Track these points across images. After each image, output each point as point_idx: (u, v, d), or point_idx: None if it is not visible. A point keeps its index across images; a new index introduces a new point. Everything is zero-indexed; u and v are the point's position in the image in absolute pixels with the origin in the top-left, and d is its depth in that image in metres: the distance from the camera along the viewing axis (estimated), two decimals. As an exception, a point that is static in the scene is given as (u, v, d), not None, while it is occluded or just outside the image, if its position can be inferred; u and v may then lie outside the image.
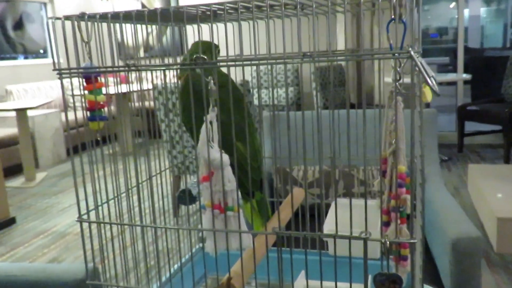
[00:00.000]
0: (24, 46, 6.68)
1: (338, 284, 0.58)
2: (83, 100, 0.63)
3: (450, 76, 4.39)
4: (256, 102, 3.72)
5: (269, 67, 4.76)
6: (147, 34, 6.85)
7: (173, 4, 6.64)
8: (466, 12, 11.29)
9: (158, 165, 0.83)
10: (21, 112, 4.44)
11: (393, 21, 0.52)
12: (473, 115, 4.44)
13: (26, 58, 6.56)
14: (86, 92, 0.60)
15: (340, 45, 4.97)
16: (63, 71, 0.59)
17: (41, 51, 6.79)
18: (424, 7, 12.41)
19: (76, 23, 0.59)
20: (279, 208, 0.80)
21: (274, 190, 1.99)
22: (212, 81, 0.60)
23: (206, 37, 0.69)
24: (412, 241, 0.51)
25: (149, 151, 0.71)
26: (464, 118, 4.52)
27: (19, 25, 6.65)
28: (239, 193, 0.78)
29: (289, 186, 1.90)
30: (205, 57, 0.58)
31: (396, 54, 0.52)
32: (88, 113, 0.60)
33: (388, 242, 0.50)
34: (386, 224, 0.55)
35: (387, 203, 0.54)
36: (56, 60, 0.60)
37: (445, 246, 1.35)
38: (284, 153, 2.01)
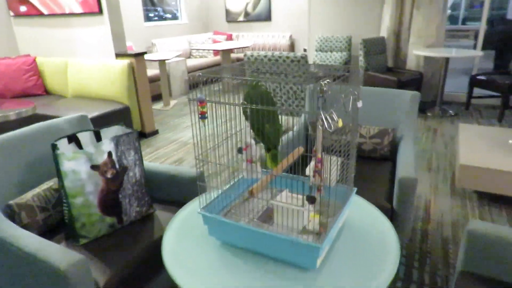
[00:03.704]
0: (164, 11, 7.22)
1: (296, 195, 1.02)
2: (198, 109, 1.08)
3: (466, 53, 4.29)
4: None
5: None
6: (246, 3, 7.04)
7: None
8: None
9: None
10: (162, 61, 5.05)
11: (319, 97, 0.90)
12: (481, 83, 4.37)
13: (164, 19, 7.11)
14: (200, 107, 1.05)
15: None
16: (191, 100, 1.04)
17: (175, 13, 7.28)
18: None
19: (192, 78, 1.03)
20: (284, 160, 1.24)
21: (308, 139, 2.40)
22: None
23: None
24: (319, 183, 0.92)
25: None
26: (474, 85, 4.46)
27: (160, -6, 7.15)
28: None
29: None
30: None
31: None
32: (200, 115, 1.06)
33: (312, 184, 0.92)
34: (314, 175, 0.96)
35: (315, 168, 0.95)
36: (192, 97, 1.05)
37: (397, 181, 1.72)
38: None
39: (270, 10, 6.88)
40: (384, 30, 4.98)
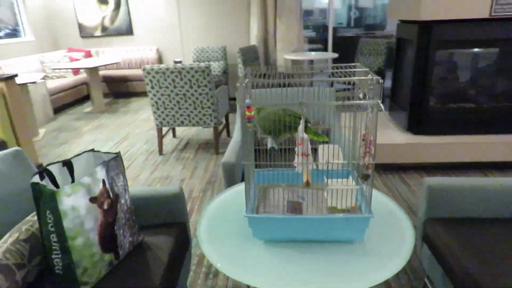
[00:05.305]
0: (-3, 26, 6.13)
1: (339, 180, 1.17)
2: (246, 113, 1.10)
3: (326, 55, 5.10)
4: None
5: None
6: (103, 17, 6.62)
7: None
8: None
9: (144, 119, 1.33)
10: (23, 85, 4.35)
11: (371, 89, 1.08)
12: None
13: None
14: (247, 112, 1.08)
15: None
16: (240, 105, 1.07)
17: (10, 30, 6.26)
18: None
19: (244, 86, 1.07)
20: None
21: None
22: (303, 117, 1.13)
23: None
24: (372, 162, 1.11)
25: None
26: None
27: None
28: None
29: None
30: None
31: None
32: (247, 120, 1.09)
33: (365, 162, 1.09)
34: (363, 156, 1.14)
35: (365, 149, 1.13)
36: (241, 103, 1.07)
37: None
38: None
39: (131, 23, 6.63)
40: (253, 39, 5.45)
